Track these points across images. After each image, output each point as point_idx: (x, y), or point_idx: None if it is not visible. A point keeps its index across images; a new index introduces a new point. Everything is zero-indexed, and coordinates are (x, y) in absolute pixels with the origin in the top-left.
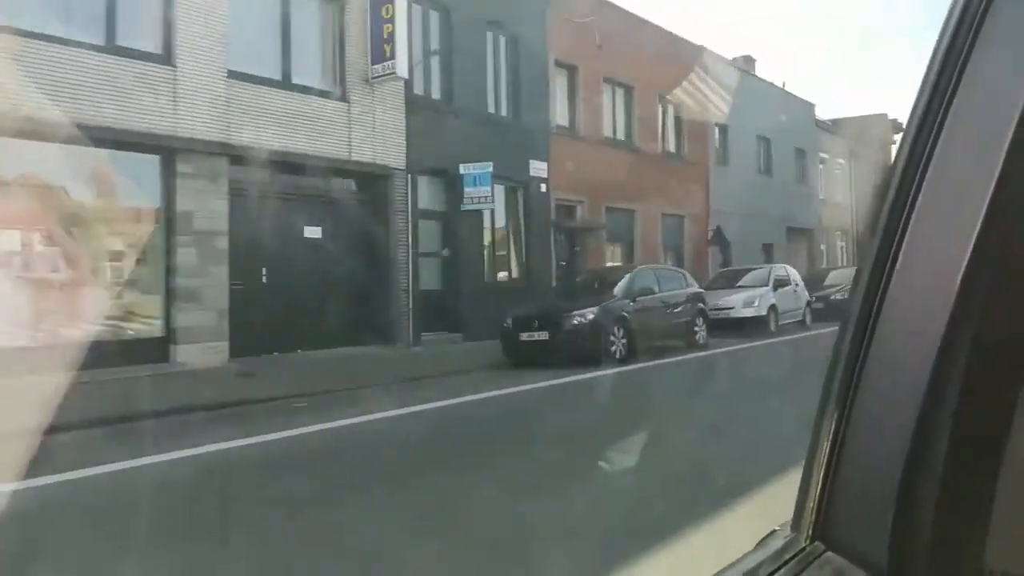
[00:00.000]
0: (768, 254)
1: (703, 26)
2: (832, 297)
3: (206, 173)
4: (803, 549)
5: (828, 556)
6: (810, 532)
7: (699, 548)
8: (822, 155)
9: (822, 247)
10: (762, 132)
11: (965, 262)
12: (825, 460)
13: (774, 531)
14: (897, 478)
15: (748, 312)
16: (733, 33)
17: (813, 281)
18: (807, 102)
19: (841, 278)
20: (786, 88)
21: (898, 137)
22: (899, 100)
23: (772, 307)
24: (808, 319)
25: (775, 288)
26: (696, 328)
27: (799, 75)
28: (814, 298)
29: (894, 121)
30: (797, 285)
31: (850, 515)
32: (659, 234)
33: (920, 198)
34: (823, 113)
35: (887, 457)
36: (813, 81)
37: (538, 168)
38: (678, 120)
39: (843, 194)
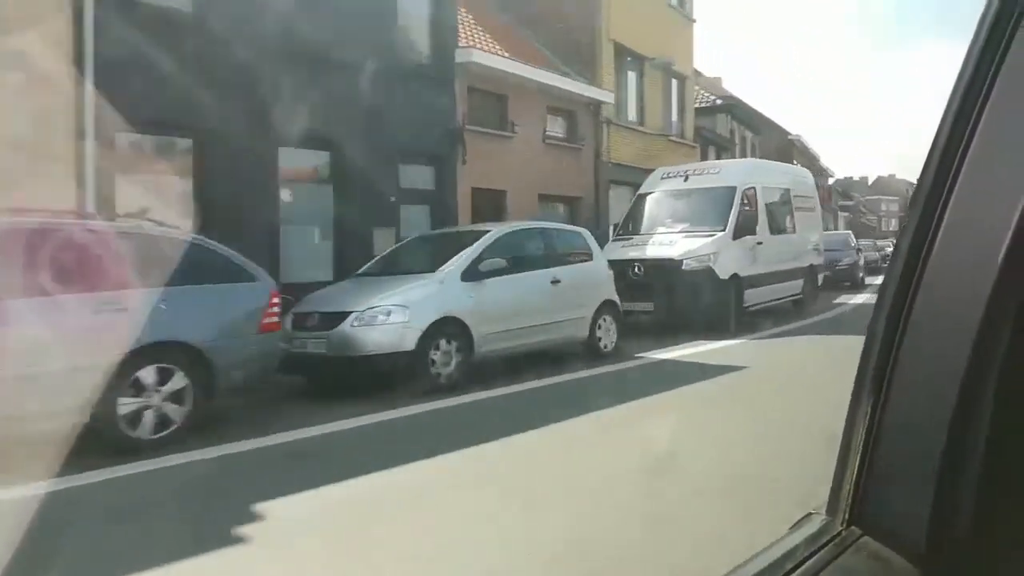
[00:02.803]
0: None
1: None
2: None
3: None
4: (839, 533)
5: (864, 541)
6: (846, 516)
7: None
8: None
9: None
10: None
11: (1007, 240)
12: (861, 441)
13: (809, 514)
14: (936, 460)
15: None
16: None
17: None
18: None
19: None
20: None
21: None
22: None
23: None
24: None
25: None
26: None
27: None
28: None
29: None
30: None
31: (887, 499)
32: None
33: (961, 174)
34: None
35: (926, 438)
36: None
37: None
38: None
39: None
